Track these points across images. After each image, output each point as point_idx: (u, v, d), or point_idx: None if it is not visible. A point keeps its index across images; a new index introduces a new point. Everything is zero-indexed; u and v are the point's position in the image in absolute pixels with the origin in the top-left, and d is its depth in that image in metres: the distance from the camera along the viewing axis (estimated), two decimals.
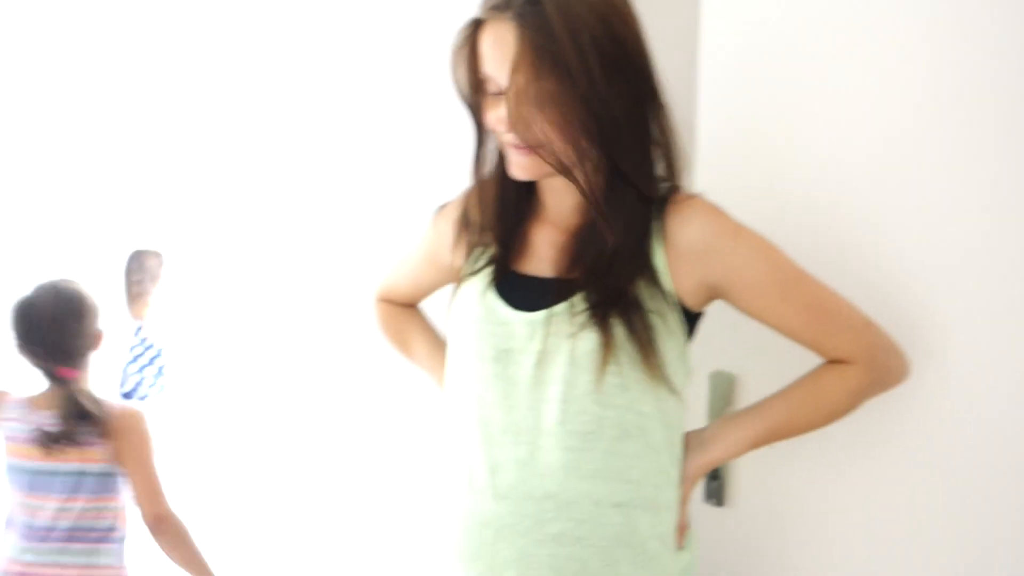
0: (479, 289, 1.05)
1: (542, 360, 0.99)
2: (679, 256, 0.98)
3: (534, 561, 0.98)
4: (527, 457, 0.99)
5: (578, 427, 0.98)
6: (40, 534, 1.63)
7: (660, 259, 0.98)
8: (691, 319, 1.02)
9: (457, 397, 1.06)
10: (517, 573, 0.99)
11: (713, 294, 1.01)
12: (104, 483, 1.65)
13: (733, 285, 1.00)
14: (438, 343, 1.28)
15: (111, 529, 1.68)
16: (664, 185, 1.01)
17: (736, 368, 1.23)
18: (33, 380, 1.69)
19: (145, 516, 1.67)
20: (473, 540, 1.02)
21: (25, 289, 1.69)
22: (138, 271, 3.25)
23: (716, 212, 1.00)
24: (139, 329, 3.23)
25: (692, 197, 1.01)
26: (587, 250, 0.99)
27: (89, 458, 1.63)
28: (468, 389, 1.04)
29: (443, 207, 1.18)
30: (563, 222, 1.04)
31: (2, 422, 1.67)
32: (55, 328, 1.64)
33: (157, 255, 3.30)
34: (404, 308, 1.34)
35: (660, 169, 1.01)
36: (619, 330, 0.96)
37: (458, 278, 1.10)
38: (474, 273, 1.07)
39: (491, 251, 1.06)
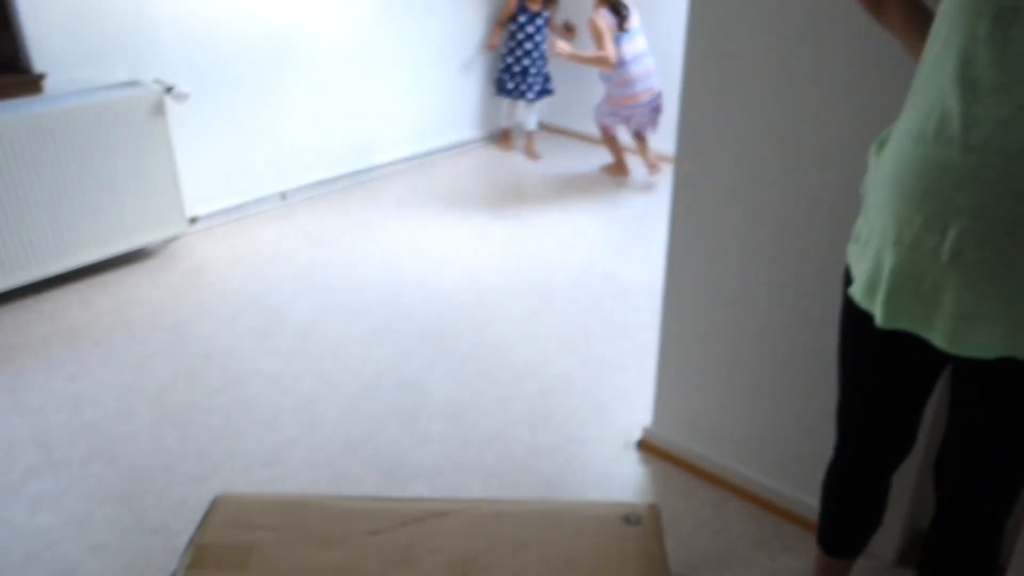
0: None
1: None
2: None
3: (989, 212, 0.98)
4: (1010, 117, 0.96)
5: None
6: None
7: None
8: None
9: (940, 56, 1.03)
10: (969, 220, 0.99)
11: None
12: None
13: None
14: (917, 8, 1.22)
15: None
16: None
17: None
18: None
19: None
20: (929, 185, 1.02)
21: None
22: None
23: None
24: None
25: None
26: None
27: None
28: (957, 48, 1.00)
29: None
30: None
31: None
32: None
33: None
34: None
35: None
36: None
37: None
38: None
39: None
